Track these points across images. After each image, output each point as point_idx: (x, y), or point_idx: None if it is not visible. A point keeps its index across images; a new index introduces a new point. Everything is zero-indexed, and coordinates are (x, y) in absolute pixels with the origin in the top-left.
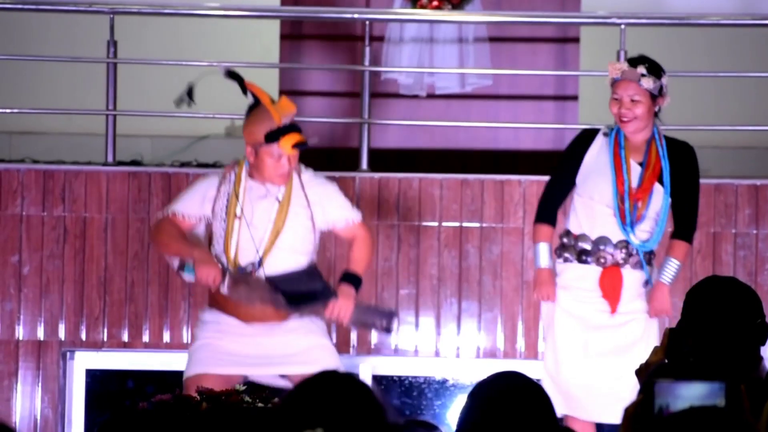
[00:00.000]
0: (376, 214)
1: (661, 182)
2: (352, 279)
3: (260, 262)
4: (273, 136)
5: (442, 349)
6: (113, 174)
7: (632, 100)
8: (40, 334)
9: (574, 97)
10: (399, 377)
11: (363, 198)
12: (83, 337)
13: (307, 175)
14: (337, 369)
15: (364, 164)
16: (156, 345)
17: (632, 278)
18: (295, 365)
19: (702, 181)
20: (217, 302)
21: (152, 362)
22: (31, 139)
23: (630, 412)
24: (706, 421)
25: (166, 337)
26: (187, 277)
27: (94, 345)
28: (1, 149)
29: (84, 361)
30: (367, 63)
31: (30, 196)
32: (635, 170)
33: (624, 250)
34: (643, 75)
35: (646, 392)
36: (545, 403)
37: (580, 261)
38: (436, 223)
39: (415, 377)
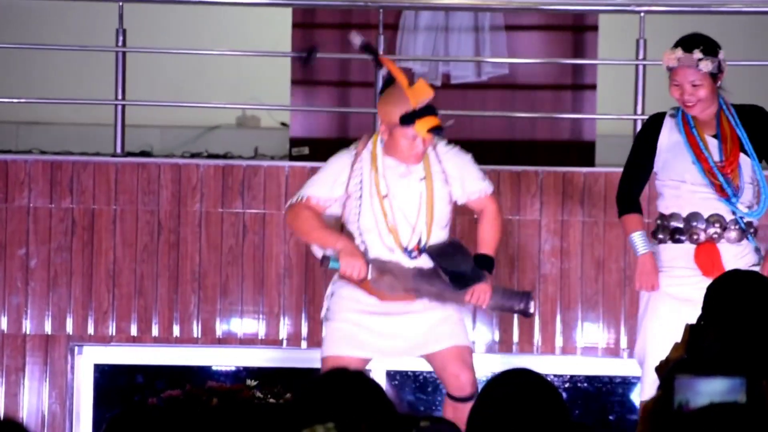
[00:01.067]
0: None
1: (744, 151)
2: (486, 261)
3: (424, 244)
4: (408, 119)
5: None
6: (122, 165)
7: (693, 85)
8: (48, 328)
9: (593, 86)
10: (413, 372)
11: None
12: (91, 331)
13: (442, 147)
14: (465, 344)
15: None
16: (166, 339)
17: (732, 252)
18: (428, 344)
19: None
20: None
21: (162, 357)
22: (38, 130)
23: (649, 408)
24: (727, 417)
25: (176, 331)
26: (331, 267)
27: (103, 339)
28: (9, 140)
29: (92, 356)
30: (381, 52)
31: (37, 188)
32: (712, 144)
33: (717, 224)
34: (700, 59)
35: (665, 388)
36: (557, 400)
37: (674, 241)
38: None
39: (429, 372)
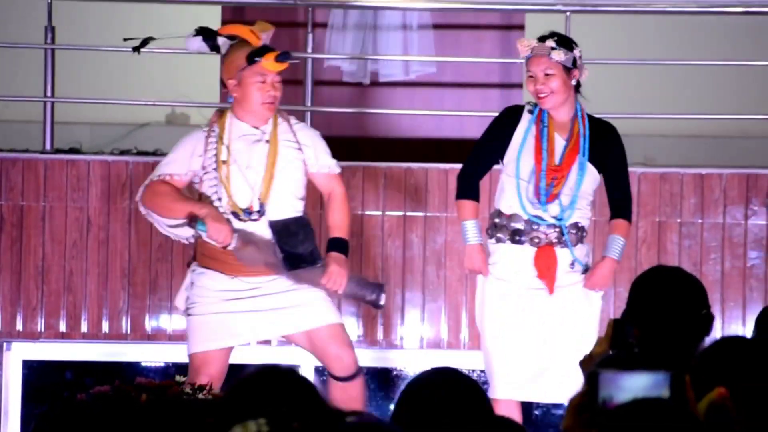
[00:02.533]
0: (318, 203)
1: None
2: (341, 245)
3: (261, 207)
4: (255, 54)
5: (385, 340)
6: (51, 162)
7: (546, 74)
8: None
9: (519, 85)
10: None
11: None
12: (20, 327)
13: (294, 121)
14: (338, 322)
15: None
16: (95, 335)
17: (566, 257)
18: (298, 321)
19: (647, 170)
20: (204, 257)
21: (91, 353)
22: None
23: (574, 404)
24: (651, 412)
25: (105, 327)
26: (199, 229)
27: (32, 336)
28: None
29: (21, 352)
30: (309, 50)
31: None
32: (559, 145)
33: (558, 230)
34: (552, 48)
35: (589, 383)
36: (480, 398)
37: (514, 241)
38: (379, 213)
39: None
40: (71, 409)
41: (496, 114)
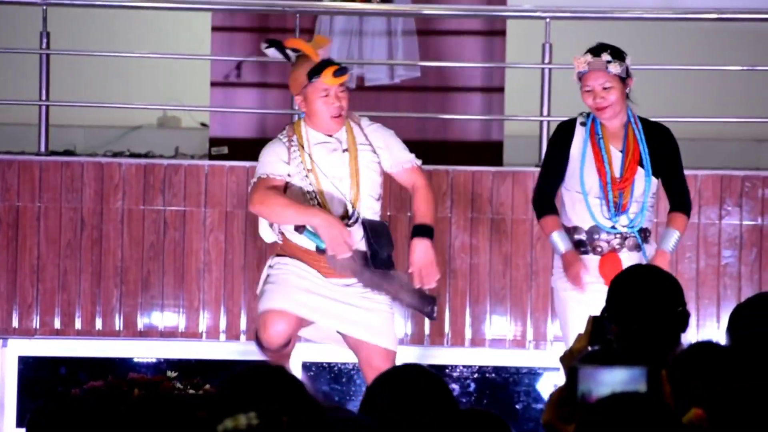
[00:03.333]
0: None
1: (641, 165)
2: (427, 230)
3: (353, 213)
4: (314, 71)
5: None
6: (46, 164)
7: (604, 88)
8: None
9: (501, 89)
10: (328, 364)
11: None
12: (16, 324)
13: (365, 123)
14: (394, 350)
15: None
16: (88, 332)
17: (631, 260)
18: (362, 329)
19: None
20: (288, 252)
21: (84, 349)
22: None
23: (555, 398)
24: (628, 406)
25: (98, 324)
26: (308, 240)
27: (27, 332)
28: None
29: (17, 349)
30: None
31: None
32: (616, 157)
33: (618, 235)
34: (608, 62)
35: (569, 378)
36: (444, 392)
37: (578, 253)
38: None
39: (344, 363)
40: (65, 403)
41: (478, 117)
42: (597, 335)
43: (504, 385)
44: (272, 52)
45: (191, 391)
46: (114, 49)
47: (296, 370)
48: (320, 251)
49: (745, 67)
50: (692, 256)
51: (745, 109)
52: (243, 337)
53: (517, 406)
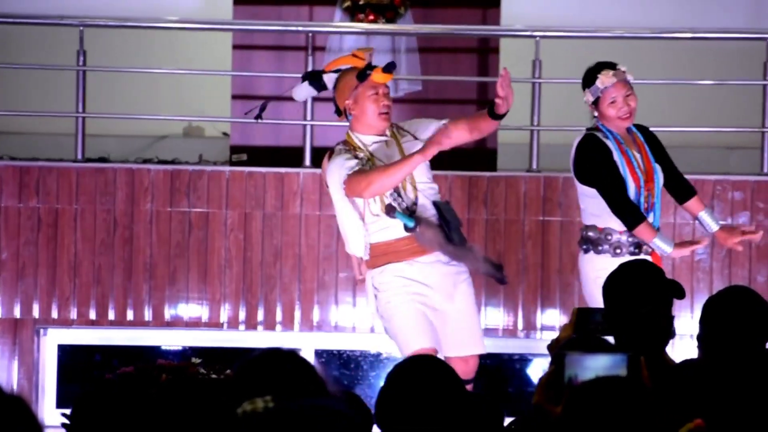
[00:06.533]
0: (318, 207)
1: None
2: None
3: (414, 198)
4: (363, 72)
5: (376, 326)
6: (82, 170)
7: (626, 96)
8: (17, 312)
9: (493, 102)
10: (338, 351)
11: (305, 191)
12: (55, 315)
13: (402, 122)
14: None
15: (307, 161)
16: (120, 322)
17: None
18: (458, 347)
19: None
20: (376, 258)
21: (117, 338)
22: (8, 139)
23: (543, 381)
24: (610, 388)
25: (130, 315)
26: (399, 218)
27: (65, 322)
28: None
29: (56, 337)
30: (310, 70)
31: (8, 190)
32: (638, 160)
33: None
34: (625, 72)
35: (557, 364)
36: (457, 383)
37: (615, 255)
38: None
39: (352, 351)
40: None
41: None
42: (580, 325)
43: (498, 371)
44: (304, 90)
45: (213, 376)
46: (144, 66)
47: (309, 356)
48: (408, 229)
49: (715, 81)
50: None
51: (716, 118)
52: (260, 327)
53: (509, 390)
